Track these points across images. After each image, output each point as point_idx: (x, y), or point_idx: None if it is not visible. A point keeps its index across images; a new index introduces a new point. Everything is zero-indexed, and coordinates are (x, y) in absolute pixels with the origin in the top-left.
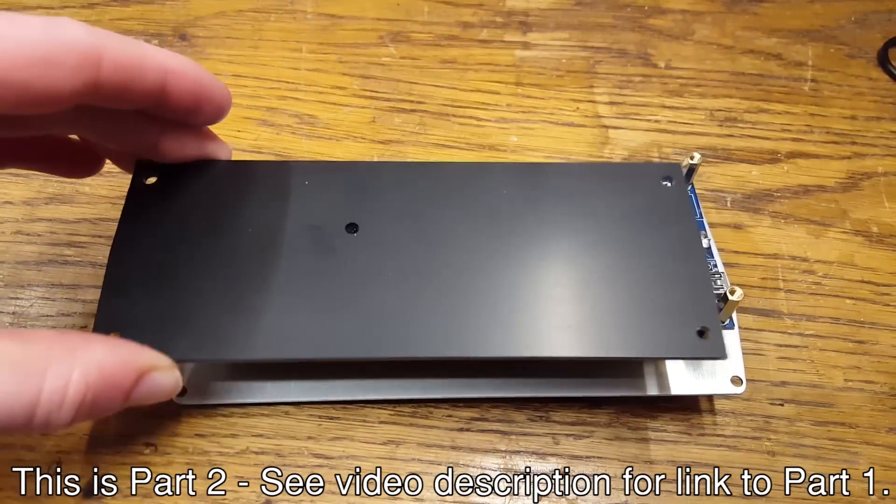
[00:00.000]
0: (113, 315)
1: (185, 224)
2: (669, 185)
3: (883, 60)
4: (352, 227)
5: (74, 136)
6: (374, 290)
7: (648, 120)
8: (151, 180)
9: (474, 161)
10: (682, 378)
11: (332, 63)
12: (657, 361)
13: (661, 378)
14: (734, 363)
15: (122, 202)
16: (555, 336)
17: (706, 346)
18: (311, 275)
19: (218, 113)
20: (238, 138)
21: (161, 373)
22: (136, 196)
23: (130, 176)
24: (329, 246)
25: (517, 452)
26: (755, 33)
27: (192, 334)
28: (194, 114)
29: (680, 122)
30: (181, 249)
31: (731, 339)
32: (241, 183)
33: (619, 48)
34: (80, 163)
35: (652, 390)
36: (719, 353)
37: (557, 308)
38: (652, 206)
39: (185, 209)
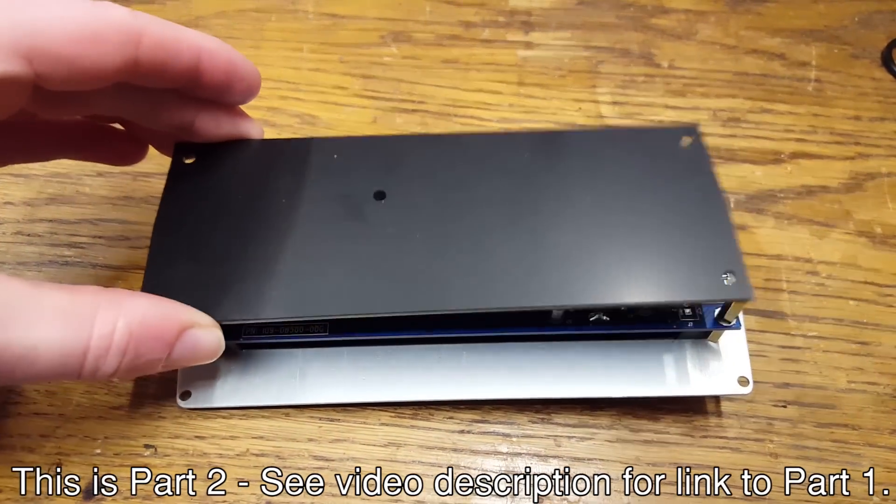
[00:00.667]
0: (158, 280)
1: (223, 198)
2: (688, 143)
3: (887, 61)
4: (380, 195)
5: (119, 126)
6: (403, 251)
7: (651, 120)
8: (190, 160)
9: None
10: (688, 379)
11: (334, 63)
12: (663, 359)
13: (666, 379)
14: (740, 363)
15: (123, 203)
16: (584, 286)
17: (733, 289)
18: (342, 239)
19: (249, 91)
20: None
21: (203, 330)
22: (176, 174)
23: (133, 177)
24: (359, 213)
25: (519, 455)
26: (759, 33)
27: (234, 297)
28: (227, 92)
29: (683, 122)
30: (220, 221)
31: (738, 339)
32: (273, 159)
33: (622, 48)
34: (124, 149)
35: (656, 391)
36: (747, 294)
37: (584, 261)
38: (671, 163)
39: (222, 184)
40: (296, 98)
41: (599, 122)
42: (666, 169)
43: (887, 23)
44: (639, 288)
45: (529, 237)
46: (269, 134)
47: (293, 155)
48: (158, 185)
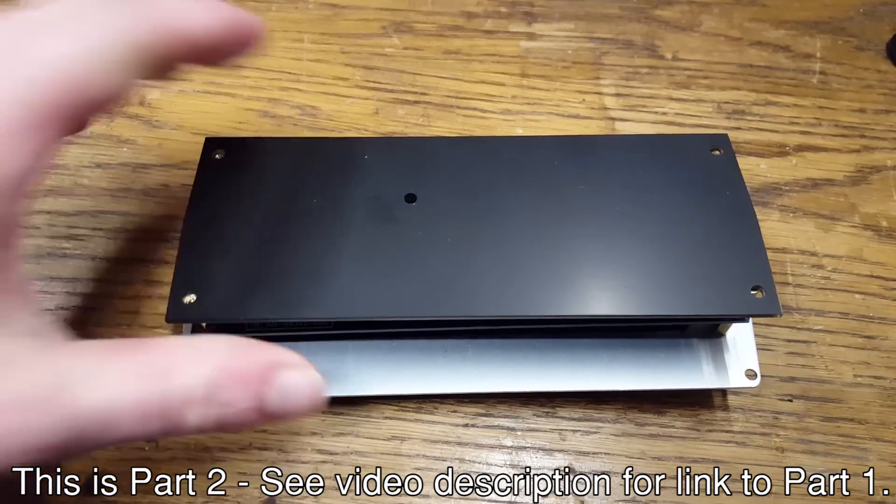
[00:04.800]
0: (190, 277)
1: (254, 194)
2: (719, 154)
3: (892, 52)
4: (410, 198)
5: None
6: (433, 255)
7: (655, 112)
8: (219, 155)
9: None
10: (694, 372)
11: (335, 53)
12: (669, 352)
13: (673, 372)
14: (748, 356)
15: (122, 195)
16: (611, 296)
17: (761, 303)
18: (373, 241)
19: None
20: (239, 130)
21: (295, 372)
22: (205, 169)
23: (132, 168)
24: (390, 215)
25: (523, 448)
26: (763, 25)
27: (265, 296)
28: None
29: (687, 115)
30: (251, 218)
31: (746, 332)
32: (304, 157)
33: (626, 39)
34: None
35: (662, 384)
36: (774, 310)
37: (612, 271)
38: (702, 174)
39: (252, 181)
40: (297, 89)
41: (603, 113)
42: (695, 178)
43: (892, 14)
44: (667, 300)
45: (558, 245)
46: (270, 125)
47: (324, 153)
48: (158, 176)
